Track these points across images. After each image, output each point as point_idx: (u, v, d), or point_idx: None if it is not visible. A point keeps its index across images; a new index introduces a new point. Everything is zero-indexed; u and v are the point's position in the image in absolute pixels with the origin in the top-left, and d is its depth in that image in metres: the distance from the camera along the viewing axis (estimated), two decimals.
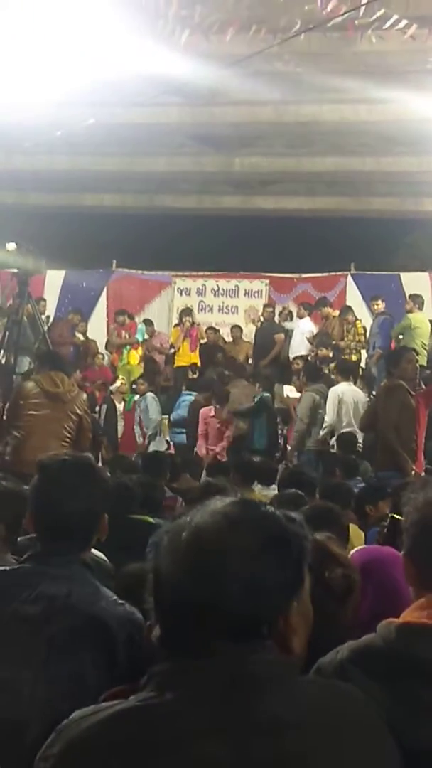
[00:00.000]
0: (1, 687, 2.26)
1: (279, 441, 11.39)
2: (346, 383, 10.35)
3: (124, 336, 14.46)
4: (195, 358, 14.03)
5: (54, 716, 1.94)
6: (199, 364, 13.87)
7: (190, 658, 1.41)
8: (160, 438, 11.81)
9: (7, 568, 2.55)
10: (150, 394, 11.87)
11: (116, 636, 2.38)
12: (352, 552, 2.82)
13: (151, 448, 11.22)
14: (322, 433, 10.08)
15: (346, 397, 10.08)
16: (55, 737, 1.45)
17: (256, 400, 11.19)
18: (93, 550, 3.87)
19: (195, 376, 12.74)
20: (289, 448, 10.72)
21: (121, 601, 2.51)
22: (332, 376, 11.08)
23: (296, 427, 10.41)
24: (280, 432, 11.31)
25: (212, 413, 11.30)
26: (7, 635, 2.32)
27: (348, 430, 9.71)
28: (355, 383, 10.75)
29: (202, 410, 11.42)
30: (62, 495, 2.53)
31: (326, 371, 11.96)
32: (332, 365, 11.85)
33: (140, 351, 14.36)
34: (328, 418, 10.03)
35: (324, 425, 10.07)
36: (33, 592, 2.38)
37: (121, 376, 13.04)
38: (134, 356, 14.15)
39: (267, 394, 11.47)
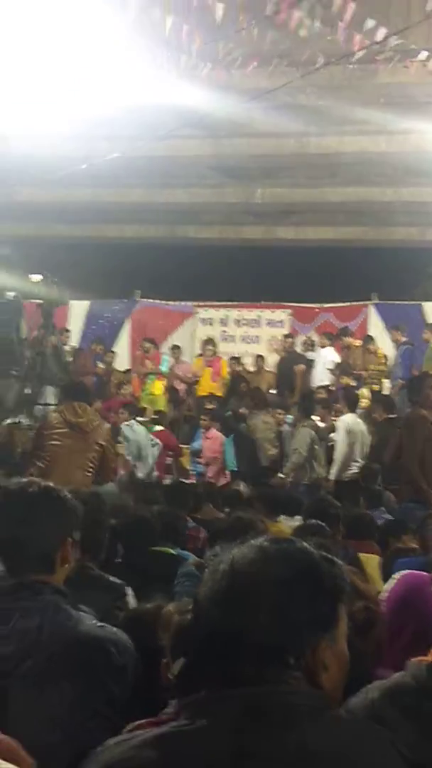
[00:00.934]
0: None
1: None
2: (352, 415, 10.32)
3: (149, 365, 14.47)
4: (216, 388, 14.02)
5: (45, 748, 1.96)
6: (219, 394, 13.84)
7: (222, 687, 1.42)
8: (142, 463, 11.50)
9: None
10: (125, 424, 11.07)
11: (97, 657, 2.37)
12: (395, 577, 2.76)
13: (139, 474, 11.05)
14: (336, 466, 9.99)
15: (355, 428, 10.06)
16: (89, 762, 1.48)
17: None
18: (112, 578, 3.89)
19: (212, 406, 12.70)
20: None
21: (101, 624, 2.50)
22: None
23: (294, 459, 10.36)
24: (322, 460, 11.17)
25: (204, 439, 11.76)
26: None
27: (371, 463, 9.66)
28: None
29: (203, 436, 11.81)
30: (15, 523, 2.49)
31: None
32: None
33: (164, 381, 14.37)
34: (341, 450, 9.96)
35: (338, 458, 9.99)
36: (3, 632, 2.35)
37: (146, 407, 13.03)
38: (158, 386, 14.16)
39: (229, 413, 11.73)
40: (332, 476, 10.01)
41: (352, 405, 10.56)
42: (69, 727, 2.30)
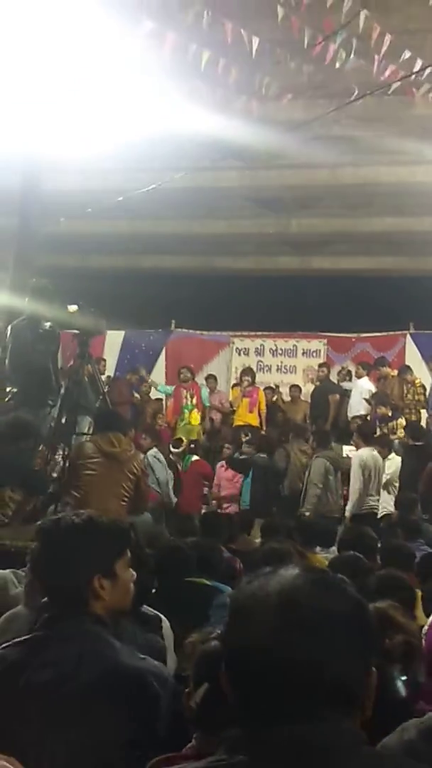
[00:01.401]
0: (23, 755, 2.21)
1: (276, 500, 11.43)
2: (369, 449, 10.20)
3: (186, 396, 14.42)
4: (252, 419, 13.97)
5: None
6: (255, 424, 13.78)
7: (264, 722, 1.37)
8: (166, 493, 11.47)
9: (21, 638, 2.50)
10: (151, 452, 11.06)
11: (135, 689, 2.35)
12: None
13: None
14: (352, 501, 9.87)
15: (369, 462, 9.96)
16: None
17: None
18: (147, 609, 3.88)
19: (248, 437, 12.65)
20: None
21: (142, 656, 2.50)
22: (392, 437, 11.00)
23: (310, 492, 10.27)
24: (337, 492, 11.10)
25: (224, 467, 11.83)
26: (22, 705, 2.29)
27: (408, 493, 9.57)
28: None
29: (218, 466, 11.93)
30: (59, 558, 2.51)
31: (385, 431, 11.85)
32: (392, 424, 11.76)
33: (200, 412, 14.35)
34: (356, 485, 9.85)
35: (353, 492, 9.89)
36: (43, 659, 2.36)
37: (183, 438, 13.02)
38: (195, 417, 14.13)
39: (263, 455, 11.61)
40: (348, 512, 9.91)
41: (367, 438, 10.49)
42: (102, 758, 2.28)
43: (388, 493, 10.31)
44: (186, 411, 14.13)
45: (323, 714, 1.36)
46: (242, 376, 14.53)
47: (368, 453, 10.12)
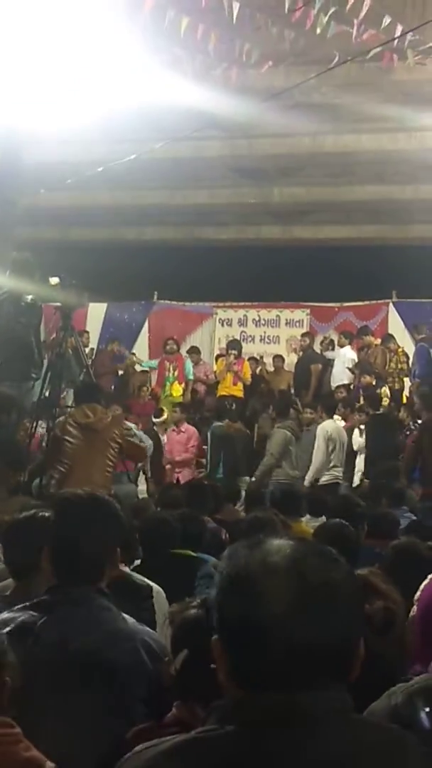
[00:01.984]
0: (28, 714, 2.25)
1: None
2: (331, 420, 10.35)
3: (168, 368, 14.41)
4: (237, 390, 13.96)
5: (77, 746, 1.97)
6: (241, 396, 13.77)
7: (263, 690, 1.38)
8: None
9: (30, 602, 2.57)
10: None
11: (136, 652, 2.47)
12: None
13: None
14: (311, 472, 10.04)
15: (333, 434, 10.11)
16: None
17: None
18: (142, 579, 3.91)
19: (232, 408, 12.64)
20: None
21: (141, 624, 2.63)
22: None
23: (265, 461, 10.33)
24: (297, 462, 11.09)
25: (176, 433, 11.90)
26: (31, 665, 2.33)
27: (393, 462, 9.61)
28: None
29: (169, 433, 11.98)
30: (76, 532, 2.59)
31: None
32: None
33: (181, 384, 14.33)
34: (318, 456, 10.01)
35: (315, 464, 10.05)
36: (52, 621, 2.44)
37: (164, 408, 13.03)
38: (177, 388, 14.13)
39: (219, 424, 11.56)
40: (306, 481, 10.05)
41: (330, 411, 10.60)
42: (102, 719, 2.36)
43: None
44: (167, 383, 14.11)
45: (321, 682, 1.38)
46: (228, 349, 14.48)
47: (332, 425, 10.30)
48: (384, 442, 10.17)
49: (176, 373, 14.23)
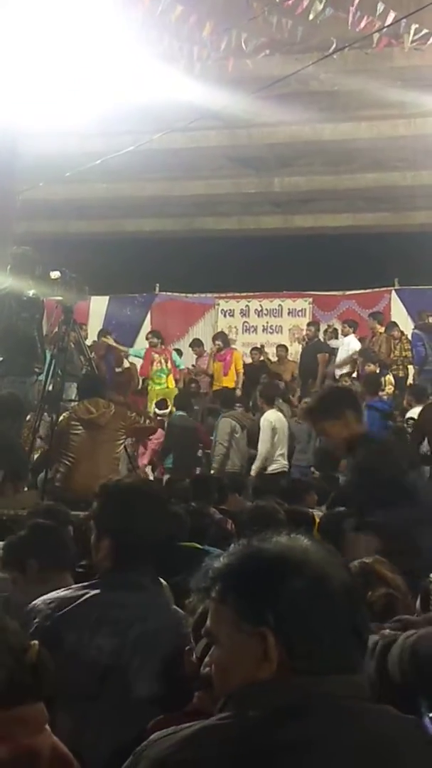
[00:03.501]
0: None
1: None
2: (273, 410, 10.40)
3: (159, 360, 14.33)
4: (228, 381, 13.92)
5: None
6: (232, 386, 13.74)
7: (315, 675, 1.44)
8: None
9: (80, 594, 2.62)
10: None
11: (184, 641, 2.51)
12: None
13: None
14: (258, 462, 10.12)
15: (278, 424, 10.21)
16: (136, 758, 1.45)
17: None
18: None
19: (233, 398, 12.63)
20: None
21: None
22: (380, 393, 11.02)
23: (217, 451, 10.43)
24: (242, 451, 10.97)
25: None
26: (91, 639, 2.46)
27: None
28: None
29: None
30: (142, 520, 2.66)
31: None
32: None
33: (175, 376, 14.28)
34: (263, 446, 10.10)
35: (261, 454, 10.13)
36: (109, 618, 2.50)
37: (167, 400, 13.00)
38: (171, 381, 14.06)
39: (179, 413, 11.60)
40: (253, 471, 10.13)
41: (270, 401, 10.65)
42: (147, 705, 2.39)
43: None
44: (163, 375, 14.03)
45: (360, 667, 1.50)
46: (213, 341, 14.50)
47: (275, 415, 10.36)
48: None
49: (168, 365, 14.16)
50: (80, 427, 6.63)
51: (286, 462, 10.36)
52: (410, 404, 10.53)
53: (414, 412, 10.10)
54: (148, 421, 7.64)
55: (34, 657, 1.83)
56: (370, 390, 10.57)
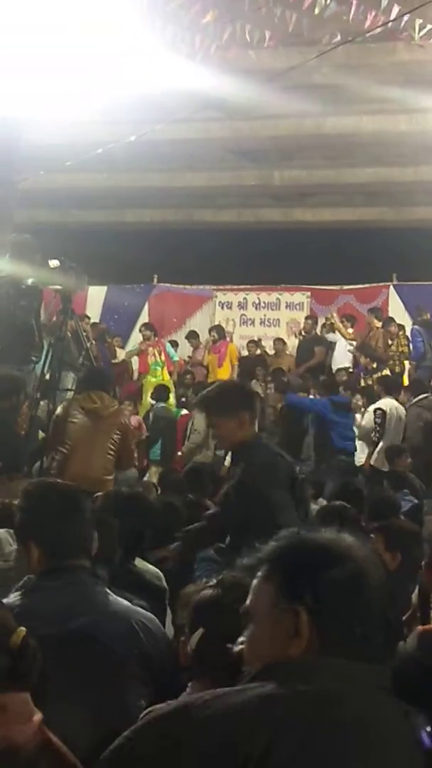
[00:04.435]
0: None
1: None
2: None
3: (153, 353, 14.31)
4: (223, 373, 13.93)
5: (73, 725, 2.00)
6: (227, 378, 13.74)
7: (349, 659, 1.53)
8: None
9: (20, 587, 2.62)
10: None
11: (126, 633, 2.52)
12: None
13: None
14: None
15: None
16: (179, 717, 1.48)
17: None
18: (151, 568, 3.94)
19: None
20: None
21: (135, 606, 2.69)
22: (375, 388, 11.04)
23: (193, 438, 10.54)
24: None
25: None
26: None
27: (396, 445, 9.61)
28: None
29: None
30: (54, 519, 2.68)
31: (370, 382, 11.85)
32: (375, 377, 11.76)
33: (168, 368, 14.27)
34: None
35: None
36: (42, 605, 2.48)
37: (169, 388, 13.00)
38: (165, 374, 14.05)
39: (161, 405, 11.73)
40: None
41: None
42: (96, 702, 2.37)
43: (367, 445, 10.36)
44: (157, 368, 14.02)
45: (385, 661, 1.59)
46: (209, 332, 14.56)
47: None
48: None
49: (162, 357, 14.16)
50: (81, 415, 6.60)
51: None
52: (379, 395, 10.54)
53: (383, 403, 10.21)
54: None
55: (19, 642, 1.76)
56: (388, 391, 10.56)
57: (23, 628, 1.80)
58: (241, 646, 1.64)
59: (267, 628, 1.58)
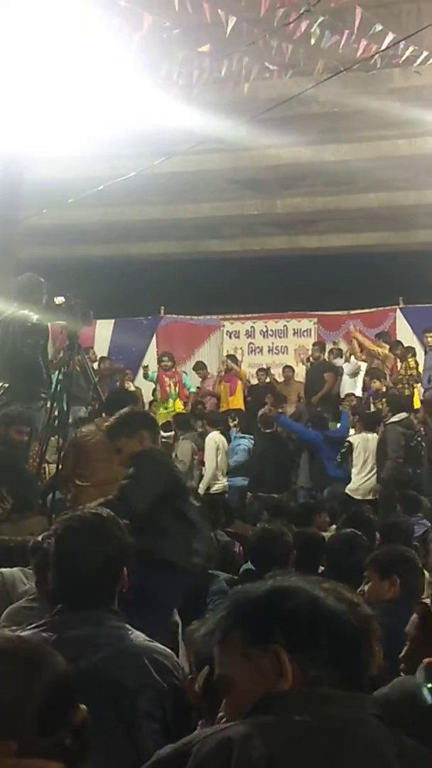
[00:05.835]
0: None
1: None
2: (218, 432, 11.15)
3: (169, 383, 14.32)
4: (236, 402, 13.94)
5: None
6: (240, 407, 13.74)
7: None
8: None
9: (41, 622, 2.59)
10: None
11: (140, 667, 2.50)
12: None
13: None
14: (205, 481, 10.76)
15: (221, 445, 10.94)
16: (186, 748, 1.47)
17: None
18: None
19: (235, 421, 12.64)
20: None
21: (150, 640, 2.64)
22: (383, 412, 11.02)
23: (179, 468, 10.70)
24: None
25: None
26: None
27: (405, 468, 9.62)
28: None
29: None
30: (77, 557, 2.63)
31: (379, 406, 11.81)
32: (384, 400, 11.72)
33: (182, 400, 14.26)
34: (210, 464, 10.82)
35: (208, 473, 10.82)
36: (62, 650, 2.42)
37: (171, 422, 12.97)
38: (179, 405, 14.03)
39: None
40: (201, 490, 10.53)
41: (215, 424, 11.44)
42: (112, 735, 2.36)
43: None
44: (171, 399, 14.05)
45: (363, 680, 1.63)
46: (223, 361, 14.66)
47: (218, 435, 11.11)
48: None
49: (177, 389, 14.18)
50: (101, 446, 6.54)
51: (225, 481, 11.02)
52: (386, 415, 10.65)
53: (353, 437, 10.74)
54: None
55: (81, 718, 1.63)
56: (394, 409, 10.56)
57: (84, 706, 1.66)
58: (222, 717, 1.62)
59: (247, 681, 1.54)
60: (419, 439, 10.36)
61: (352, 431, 11.20)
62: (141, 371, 15.10)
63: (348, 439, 10.80)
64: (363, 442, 10.50)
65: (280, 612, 1.55)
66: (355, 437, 10.74)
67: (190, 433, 11.60)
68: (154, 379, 14.60)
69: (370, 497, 10.05)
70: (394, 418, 10.33)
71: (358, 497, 10.06)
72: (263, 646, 1.53)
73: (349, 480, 10.49)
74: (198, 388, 14.89)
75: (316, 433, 11.33)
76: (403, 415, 10.39)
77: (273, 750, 1.39)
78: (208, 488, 10.73)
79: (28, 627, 2.58)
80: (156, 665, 2.52)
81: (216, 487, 10.82)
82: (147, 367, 15.22)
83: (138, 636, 2.59)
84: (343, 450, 10.62)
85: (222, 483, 10.99)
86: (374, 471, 10.22)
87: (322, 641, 1.53)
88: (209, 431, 12.01)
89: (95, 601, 2.58)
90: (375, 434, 10.59)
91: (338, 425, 11.91)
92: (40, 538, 3.41)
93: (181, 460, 10.59)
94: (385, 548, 4.47)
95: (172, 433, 12.42)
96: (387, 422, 10.42)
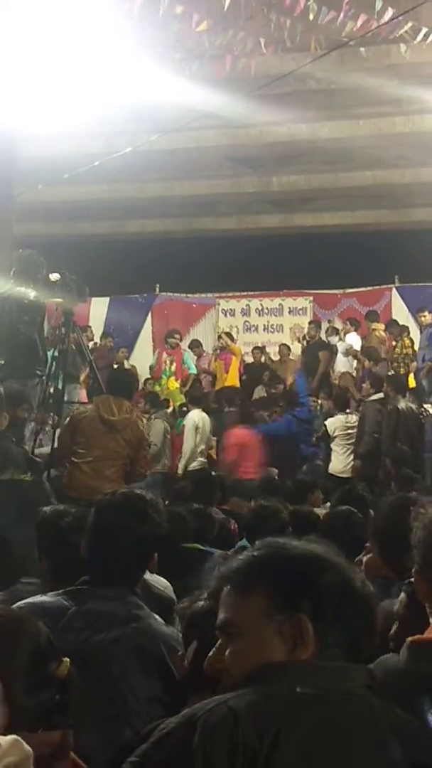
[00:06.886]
0: None
1: None
2: (198, 410, 11.01)
3: (165, 361, 14.27)
4: (231, 380, 13.93)
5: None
6: (235, 384, 13.73)
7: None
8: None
9: (59, 601, 2.61)
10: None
11: (160, 650, 2.54)
12: None
13: None
14: (184, 460, 10.71)
15: (200, 423, 10.81)
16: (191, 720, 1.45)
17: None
18: (159, 579, 3.93)
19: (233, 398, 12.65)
20: None
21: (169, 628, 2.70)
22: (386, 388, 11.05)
23: (151, 450, 10.57)
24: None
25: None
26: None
27: (400, 447, 9.62)
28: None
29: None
30: (113, 530, 2.68)
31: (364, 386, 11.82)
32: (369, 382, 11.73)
33: (178, 379, 14.22)
34: (188, 444, 10.71)
35: (186, 452, 10.73)
36: (81, 620, 2.50)
37: (169, 400, 12.98)
38: (173, 383, 13.99)
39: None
40: (180, 469, 10.65)
41: (196, 401, 11.28)
42: (123, 711, 2.41)
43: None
44: (164, 377, 14.00)
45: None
46: (218, 338, 14.62)
47: (198, 414, 10.95)
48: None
49: (173, 367, 14.11)
50: (97, 424, 6.55)
51: (205, 459, 10.94)
52: (389, 395, 10.64)
53: (330, 422, 10.91)
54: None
55: (65, 672, 1.72)
56: (376, 387, 10.62)
57: (67, 659, 1.75)
58: (213, 661, 1.62)
59: (261, 641, 1.55)
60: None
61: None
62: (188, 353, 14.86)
63: (325, 422, 11.02)
64: (341, 423, 10.72)
65: (315, 584, 1.57)
66: (331, 420, 10.94)
67: (161, 411, 11.68)
68: (154, 363, 14.59)
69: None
70: (374, 397, 10.55)
71: (346, 477, 10.11)
72: (290, 611, 1.54)
73: (327, 458, 10.76)
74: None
75: (289, 418, 11.39)
76: (381, 394, 10.55)
77: (279, 722, 1.39)
78: (186, 467, 10.70)
79: (53, 593, 2.64)
80: (170, 651, 2.55)
81: (193, 465, 10.70)
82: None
83: (156, 619, 2.64)
84: (319, 434, 10.98)
85: (200, 461, 10.83)
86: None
87: (343, 621, 1.56)
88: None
89: (120, 579, 2.64)
90: (352, 414, 10.93)
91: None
92: (51, 513, 3.41)
93: (153, 443, 10.34)
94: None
95: (169, 410, 12.42)
96: (367, 400, 10.67)
